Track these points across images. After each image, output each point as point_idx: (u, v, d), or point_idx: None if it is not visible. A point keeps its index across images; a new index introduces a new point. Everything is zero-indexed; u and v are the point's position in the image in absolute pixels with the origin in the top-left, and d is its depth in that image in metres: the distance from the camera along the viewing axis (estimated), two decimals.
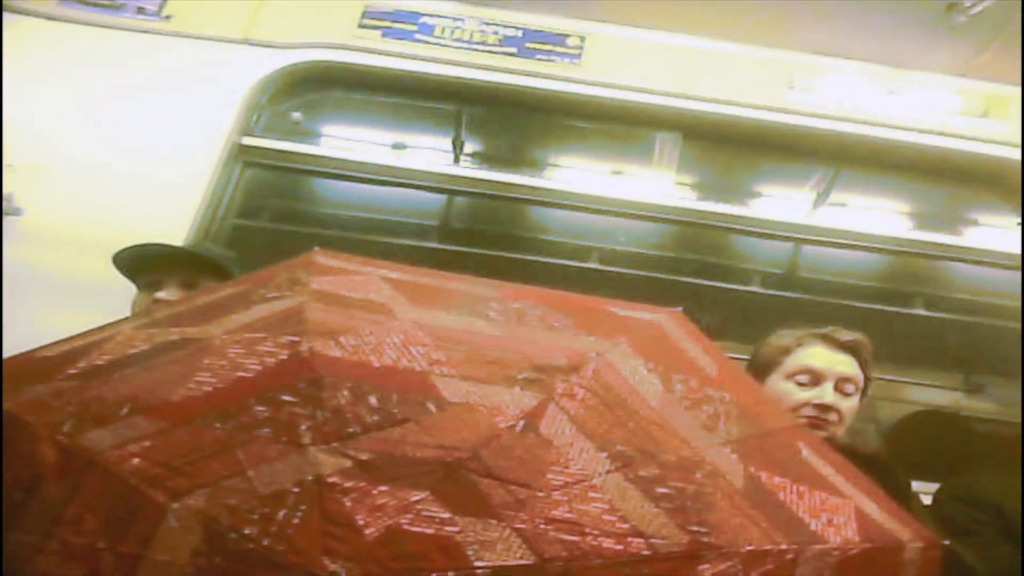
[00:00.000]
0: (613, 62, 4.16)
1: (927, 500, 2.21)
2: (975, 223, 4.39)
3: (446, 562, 0.92)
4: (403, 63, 4.08)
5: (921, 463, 2.50)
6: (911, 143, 4.16)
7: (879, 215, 4.34)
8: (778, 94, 4.17)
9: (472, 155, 4.26)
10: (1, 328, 2.89)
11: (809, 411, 2.02)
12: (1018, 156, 4.08)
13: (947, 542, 1.19)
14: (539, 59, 4.12)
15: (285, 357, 1.12)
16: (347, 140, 4.26)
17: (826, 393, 2.04)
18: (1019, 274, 4.04)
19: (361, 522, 0.93)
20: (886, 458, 2.15)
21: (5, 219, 3.51)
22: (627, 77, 4.14)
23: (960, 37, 3.98)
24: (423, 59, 4.08)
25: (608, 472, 1.03)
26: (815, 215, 4.24)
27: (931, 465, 2.46)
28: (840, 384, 2.06)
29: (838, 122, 4.17)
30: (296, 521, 0.94)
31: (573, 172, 4.34)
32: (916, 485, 2.15)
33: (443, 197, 4.18)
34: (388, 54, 4.09)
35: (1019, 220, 4.20)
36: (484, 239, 4.08)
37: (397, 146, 4.21)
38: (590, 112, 4.23)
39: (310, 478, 0.97)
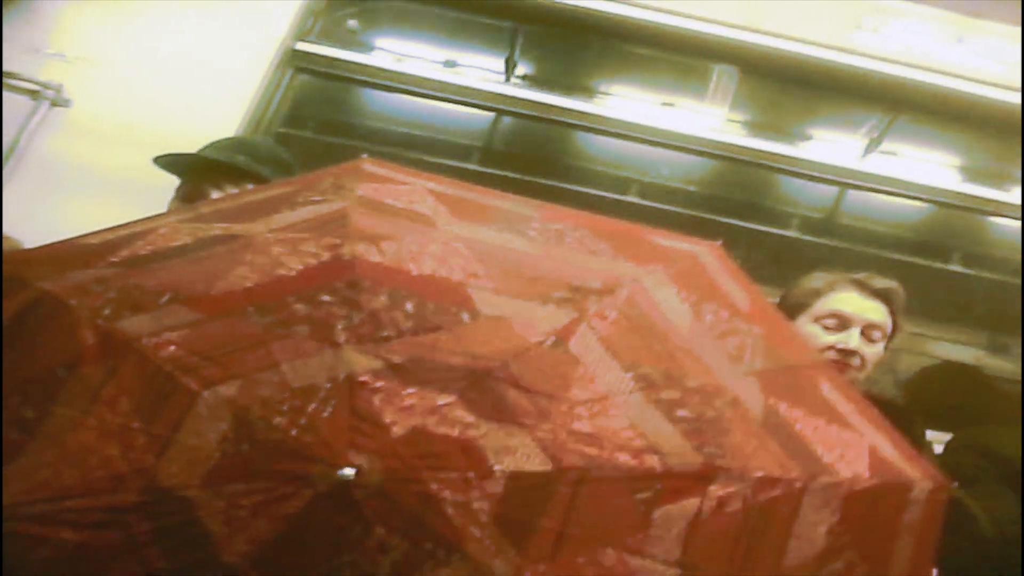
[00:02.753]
0: None
1: (939, 449, 2.23)
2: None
3: (467, 463, 0.95)
4: None
5: (938, 413, 2.50)
6: (973, 94, 4.06)
7: (928, 167, 4.27)
8: (844, 34, 4.08)
9: (523, 77, 4.23)
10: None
11: (832, 355, 2.02)
12: None
13: (955, 484, 1.21)
14: None
15: (326, 259, 1.14)
16: (400, 54, 4.23)
17: (851, 338, 2.04)
18: None
19: (388, 420, 0.96)
20: (901, 406, 2.15)
21: (54, 110, 3.54)
22: (690, 5, 4.06)
23: None
24: None
25: (631, 392, 1.05)
26: (864, 162, 4.17)
27: (947, 416, 2.46)
28: (867, 330, 2.06)
29: (902, 67, 4.08)
30: (325, 415, 0.97)
31: (624, 101, 4.29)
32: (930, 435, 2.16)
33: (488, 118, 4.17)
34: None
35: None
36: (525, 163, 4.08)
37: (448, 63, 4.18)
38: (649, 39, 4.17)
39: (342, 376, 0.99)
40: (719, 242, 1.43)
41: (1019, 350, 3.95)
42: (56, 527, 0.98)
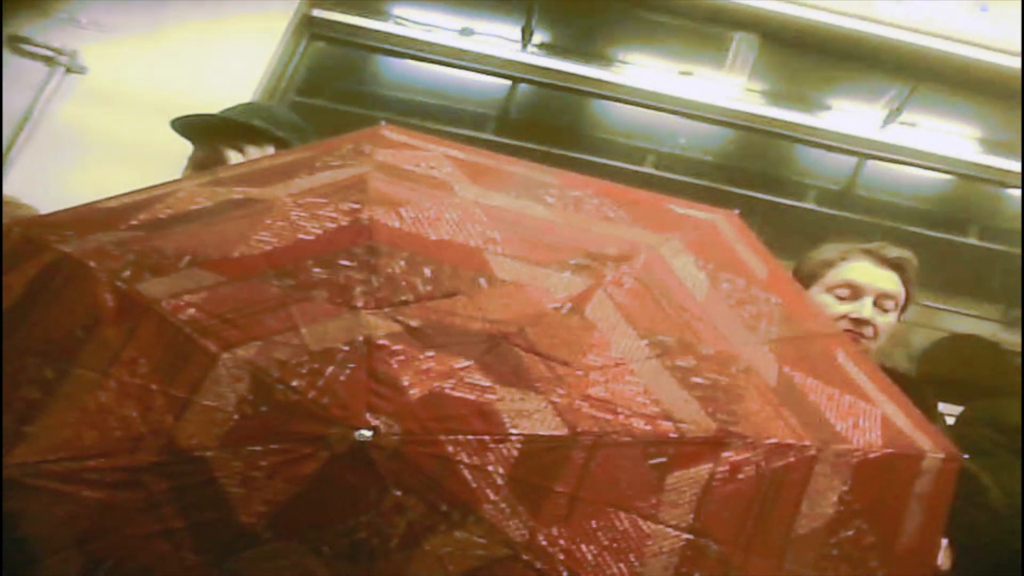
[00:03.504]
0: None
1: (950, 422, 2.23)
2: None
3: (483, 426, 0.96)
4: None
5: (950, 386, 2.50)
6: (995, 64, 4.02)
7: (948, 138, 4.23)
8: (865, 2, 4.03)
9: (540, 46, 4.20)
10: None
11: (845, 324, 2.02)
12: None
13: (966, 455, 1.21)
14: None
15: (345, 223, 1.15)
16: (417, 22, 4.20)
17: (864, 308, 2.04)
18: None
19: (406, 383, 0.97)
20: (914, 378, 2.15)
21: (69, 76, 3.54)
22: None
23: None
24: None
25: (646, 358, 1.06)
26: (884, 132, 4.14)
27: (960, 389, 2.46)
28: (880, 300, 2.06)
29: (923, 36, 4.03)
30: (343, 378, 0.98)
31: (641, 69, 4.26)
32: (943, 407, 2.16)
33: (505, 87, 4.14)
34: None
35: None
36: (541, 133, 4.06)
37: (465, 32, 4.16)
38: (667, 6, 4.13)
39: (360, 339, 1.00)
40: (736, 211, 1.43)
41: None
42: (77, 485, 0.99)
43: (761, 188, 4.07)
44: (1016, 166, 4.09)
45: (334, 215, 1.16)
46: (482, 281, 1.09)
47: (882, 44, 4.06)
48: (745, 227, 1.41)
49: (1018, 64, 3.99)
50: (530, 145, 3.92)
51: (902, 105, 4.15)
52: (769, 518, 1.04)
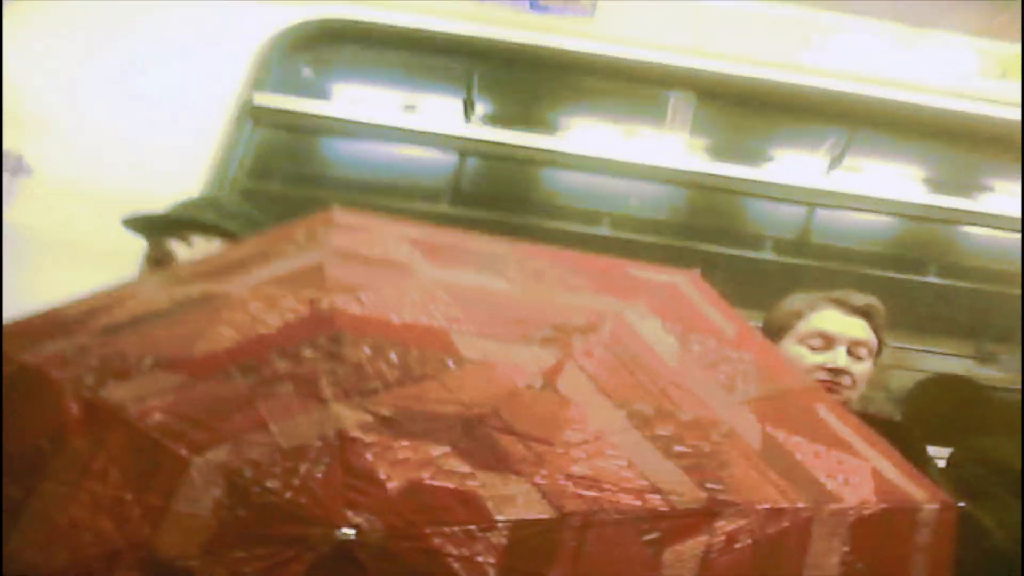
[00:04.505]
0: (627, 18, 4.09)
1: (941, 464, 2.22)
2: (990, 189, 4.35)
3: (467, 515, 0.93)
4: (413, 19, 4.03)
5: (936, 428, 2.51)
6: (927, 105, 4.11)
7: (894, 180, 4.31)
8: (795, 53, 4.12)
9: (484, 116, 4.24)
10: (1, 288, 2.89)
11: (822, 375, 2.02)
12: None
13: (962, 504, 1.20)
14: (552, 13, 4.07)
15: (306, 313, 1.13)
16: (358, 99, 4.23)
17: (839, 357, 2.04)
18: None
19: (383, 476, 0.94)
20: (901, 423, 2.15)
21: (15, 180, 3.50)
22: (641, 33, 4.09)
23: None
24: (435, 13, 4.03)
25: (626, 430, 1.04)
26: (829, 179, 4.20)
27: (946, 430, 2.46)
28: (853, 348, 2.06)
29: (855, 82, 4.12)
30: (318, 475, 0.95)
31: (585, 133, 4.31)
32: (931, 450, 2.15)
33: (454, 160, 4.16)
34: (400, 9, 4.04)
35: None
36: (495, 202, 4.07)
37: (408, 108, 4.19)
38: (603, 70, 4.18)
39: (332, 433, 0.98)
40: (697, 271, 1.43)
41: (1007, 359, 3.97)
42: None
43: (719, 242, 4.11)
44: (964, 203, 4.17)
45: (294, 305, 1.14)
46: (450, 362, 1.07)
47: (814, 93, 4.13)
48: (707, 286, 1.41)
49: (950, 103, 4.09)
50: (486, 215, 3.93)
51: (843, 152, 4.22)
52: None
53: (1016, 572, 1.92)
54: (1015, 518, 2.01)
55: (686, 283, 1.38)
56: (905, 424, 2.44)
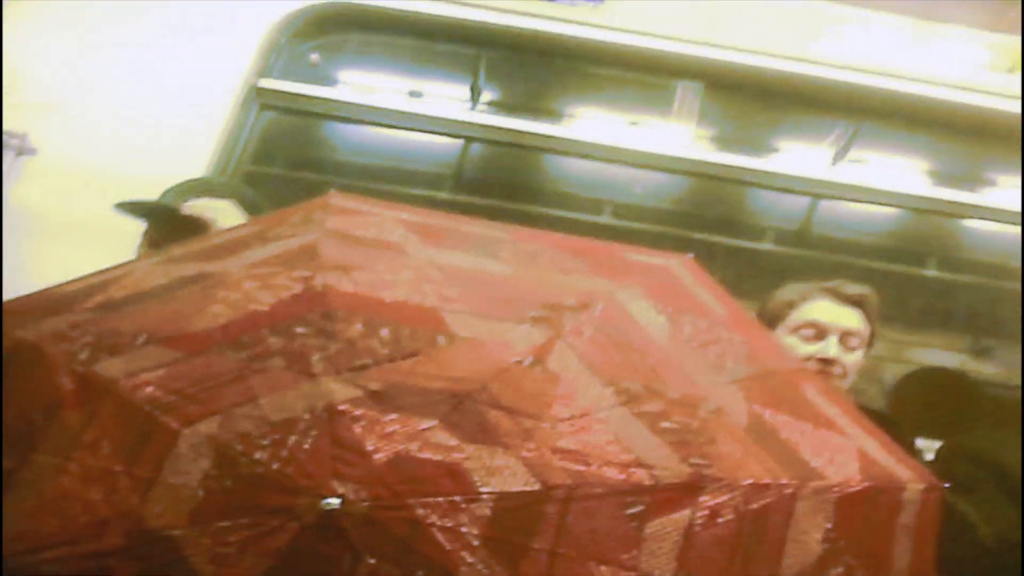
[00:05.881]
0: (636, 7, 4.09)
1: (929, 458, 2.22)
2: (994, 183, 4.34)
3: (453, 487, 0.94)
4: (422, 4, 4.04)
5: (925, 420, 2.50)
6: (936, 98, 4.10)
7: (898, 172, 4.30)
8: (804, 44, 4.11)
9: (490, 103, 4.24)
10: (1, 265, 2.91)
11: (813, 365, 2.01)
12: None
13: (947, 485, 1.21)
14: (561, 2, 4.07)
15: (299, 291, 1.14)
16: (364, 85, 4.23)
17: (830, 347, 2.04)
18: None
19: (370, 448, 0.95)
20: (889, 415, 2.15)
21: (20, 160, 3.52)
22: (650, 23, 4.08)
23: None
24: (443, 0, 4.04)
25: (613, 406, 1.05)
26: (833, 171, 4.20)
27: (935, 422, 2.46)
28: (845, 338, 2.06)
29: (863, 74, 4.11)
30: (306, 447, 0.96)
31: (591, 122, 4.31)
32: (920, 443, 2.15)
33: (458, 146, 4.17)
34: None
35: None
36: (497, 190, 4.08)
37: (414, 94, 4.19)
38: (611, 59, 4.18)
39: (321, 406, 0.99)
40: (691, 255, 1.44)
41: (1002, 353, 3.96)
42: None
43: (720, 232, 4.11)
44: (967, 197, 4.16)
45: (287, 283, 1.15)
46: (441, 340, 1.08)
47: (822, 85, 4.13)
48: (701, 270, 1.41)
49: (956, 96, 4.08)
50: (488, 202, 3.94)
51: (849, 143, 4.22)
52: (754, 561, 1.02)
53: (1001, 567, 1.92)
54: (1002, 513, 2.00)
55: (679, 266, 1.39)
56: (893, 417, 2.43)
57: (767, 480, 1.04)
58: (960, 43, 4.14)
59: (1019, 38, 4.08)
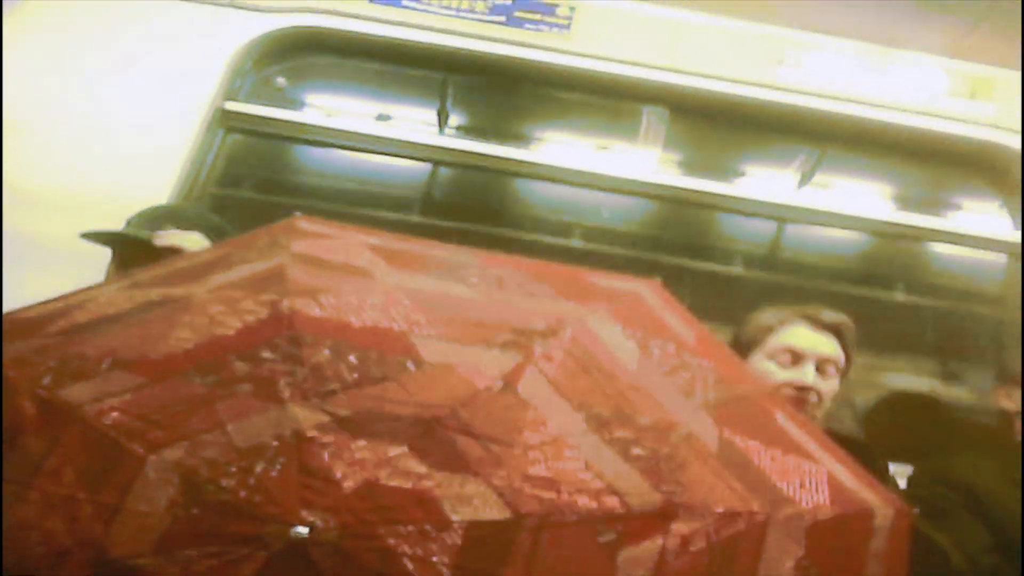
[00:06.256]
0: (602, 33, 4.12)
1: (902, 483, 2.21)
2: (958, 207, 4.39)
3: (423, 515, 0.93)
4: (389, 29, 4.04)
5: (897, 445, 2.51)
6: (897, 124, 4.16)
7: (863, 197, 4.35)
8: (767, 70, 4.15)
9: (457, 128, 4.24)
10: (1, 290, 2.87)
11: (789, 391, 1.99)
12: (1004, 139, 4.08)
13: (917, 511, 1.21)
14: (527, 28, 4.09)
15: (265, 316, 1.13)
16: (331, 109, 4.22)
17: (807, 374, 2.01)
18: (1000, 260, 4.07)
19: (339, 475, 0.94)
20: (862, 440, 2.14)
21: None
22: (616, 49, 4.11)
23: (950, 16, 3.97)
24: (410, 26, 4.05)
25: (584, 432, 1.04)
26: (799, 195, 4.23)
27: (906, 447, 2.46)
28: (822, 365, 2.03)
29: (827, 100, 4.16)
30: (274, 474, 0.95)
31: (558, 146, 4.32)
32: (892, 467, 2.15)
33: (426, 170, 4.16)
34: (375, 20, 4.05)
35: (1002, 204, 4.21)
36: (466, 212, 4.07)
37: (381, 117, 4.18)
38: (578, 84, 4.20)
39: (288, 432, 0.98)
40: (659, 279, 1.43)
41: (971, 377, 3.99)
42: None
43: (689, 255, 4.12)
44: (932, 222, 4.21)
45: (253, 308, 1.14)
46: (410, 365, 1.08)
47: (786, 110, 4.17)
48: (669, 295, 1.41)
49: (920, 122, 4.14)
50: (457, 225, 3.93)
51: (813, 168, 4.26)
52: None
53: None
54: (974, 537, 2.00)
55: (648, 291, 1.38)
56: (866, 443, 2.43)
57: (739, 507, 1.04)
58: (921, 69, 4.21)
59: (978, 64, 4.16)
